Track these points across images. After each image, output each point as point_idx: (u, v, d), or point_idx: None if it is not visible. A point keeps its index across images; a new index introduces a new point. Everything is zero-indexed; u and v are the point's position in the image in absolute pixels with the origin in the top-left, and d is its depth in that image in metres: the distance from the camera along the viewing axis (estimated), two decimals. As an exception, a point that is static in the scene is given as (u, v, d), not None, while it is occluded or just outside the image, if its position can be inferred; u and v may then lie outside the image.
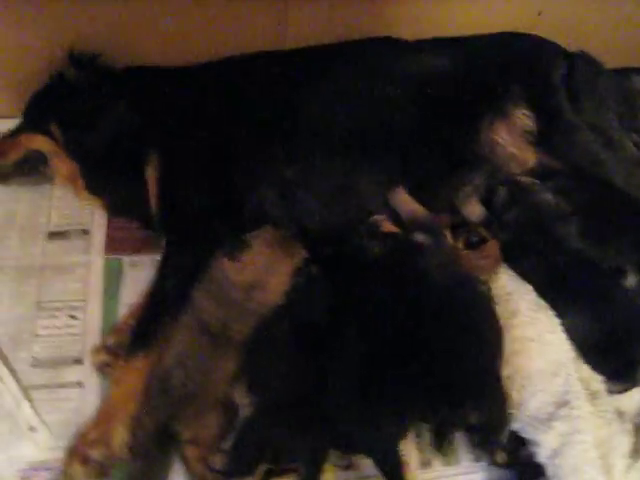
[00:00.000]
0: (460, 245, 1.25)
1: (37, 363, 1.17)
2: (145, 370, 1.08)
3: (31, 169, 1.37)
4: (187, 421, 1.05)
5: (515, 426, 1.09)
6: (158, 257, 1.30)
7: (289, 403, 1.03)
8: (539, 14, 1.47)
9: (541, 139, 1.29)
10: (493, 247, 1.24)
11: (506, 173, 1.29)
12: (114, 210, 1.35)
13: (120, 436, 1.03)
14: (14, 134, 1.36)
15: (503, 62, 1.34)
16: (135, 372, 1.08)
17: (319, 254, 1.18)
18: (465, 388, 1.05)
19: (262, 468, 1.03)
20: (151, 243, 1.33)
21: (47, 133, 1.31)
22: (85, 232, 1.34)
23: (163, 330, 1.11)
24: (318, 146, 1.26)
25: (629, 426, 1.12)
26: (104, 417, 1.06)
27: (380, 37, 1.39)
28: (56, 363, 1.17)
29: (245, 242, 1.14)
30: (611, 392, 1.15)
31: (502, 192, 1.26)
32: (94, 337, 1.20)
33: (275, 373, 1.06)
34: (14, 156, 1.33)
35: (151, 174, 1.24)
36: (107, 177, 1.30)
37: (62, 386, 1.16)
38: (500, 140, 1.29)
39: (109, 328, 1.21)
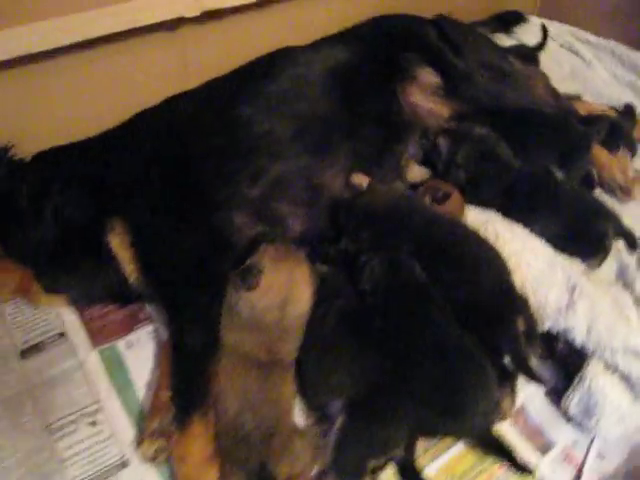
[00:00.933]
0: (427, 202, 1.33)
1: (79, 489, 1.00)
2: (207, 431, 0.99)
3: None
4: (277, 461, 0.98)
5: (546, 326, 1.20)
6: (150, 328, 1.22)
7: (373, 396, 1.02)
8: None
9: (446, 92, 1.45)
10: (457, 198, 1.34)
11: (433, 128, 1.43)
12: (83, 299, 1.22)
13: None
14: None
15: (390, 38, 1.50)
16: (197, 438, 0.99)
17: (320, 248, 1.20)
18: (507, 304, 1.13)
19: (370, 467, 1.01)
20: (136, 317, 1.24)
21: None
22: (61, 335, 1.19)
23: (206, 383, 1.03)
24: (271, 158, 1.28)
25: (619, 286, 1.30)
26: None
27: (279, 49, 1.46)
28: (101, 478, 1.01)
29: (255, 268, 1.10)
30: (592, 267, 1.32)
31: (443, 141, 1.37)
32: (127, 432, 1.07)
33: (347, 371, 1.04)
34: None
35: (119, 241, 1.15)
36: (67, 267, 1.18)
37: (118, 499, 1.00)
38: (416, 100, 1.44)
39: (140, 415, 1.09)
